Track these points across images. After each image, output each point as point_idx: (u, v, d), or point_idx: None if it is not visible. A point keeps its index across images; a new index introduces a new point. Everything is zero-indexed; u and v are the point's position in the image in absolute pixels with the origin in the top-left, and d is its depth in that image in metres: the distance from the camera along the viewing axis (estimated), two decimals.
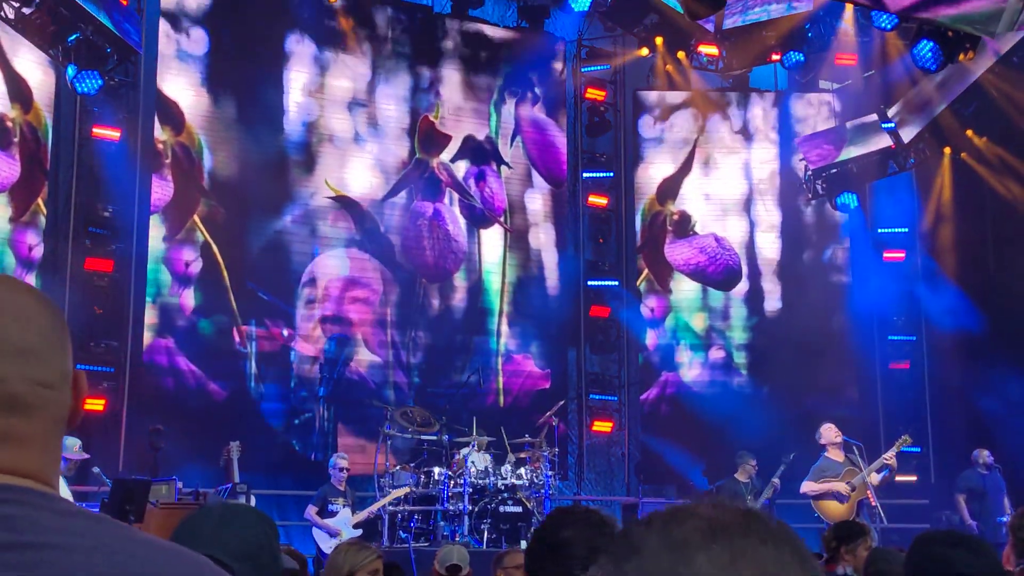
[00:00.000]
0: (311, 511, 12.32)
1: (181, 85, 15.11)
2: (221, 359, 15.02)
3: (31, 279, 13.11)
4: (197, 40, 15.30)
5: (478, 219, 16.97)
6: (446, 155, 16.87)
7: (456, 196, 16.86)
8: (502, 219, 17.13)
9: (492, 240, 17.09)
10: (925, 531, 3.87)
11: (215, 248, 14.97)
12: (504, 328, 16.95)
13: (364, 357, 15.91)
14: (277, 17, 15.85)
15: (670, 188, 17.63)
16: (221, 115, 15.35)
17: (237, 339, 15.06)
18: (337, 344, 15.76)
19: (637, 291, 17.44)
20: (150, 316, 14.62)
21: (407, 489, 12.56)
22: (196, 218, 14.95)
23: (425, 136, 16.76)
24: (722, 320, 17.39)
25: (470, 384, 15.14)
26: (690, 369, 17.27)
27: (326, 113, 16.08)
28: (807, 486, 11.64)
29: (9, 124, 13.34)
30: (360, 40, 16.49)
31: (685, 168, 17.70)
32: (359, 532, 12.15)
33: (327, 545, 11.86)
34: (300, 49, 16.02)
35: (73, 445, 9.90)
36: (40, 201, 13.56)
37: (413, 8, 17.12)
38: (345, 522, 12.20)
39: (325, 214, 15.91)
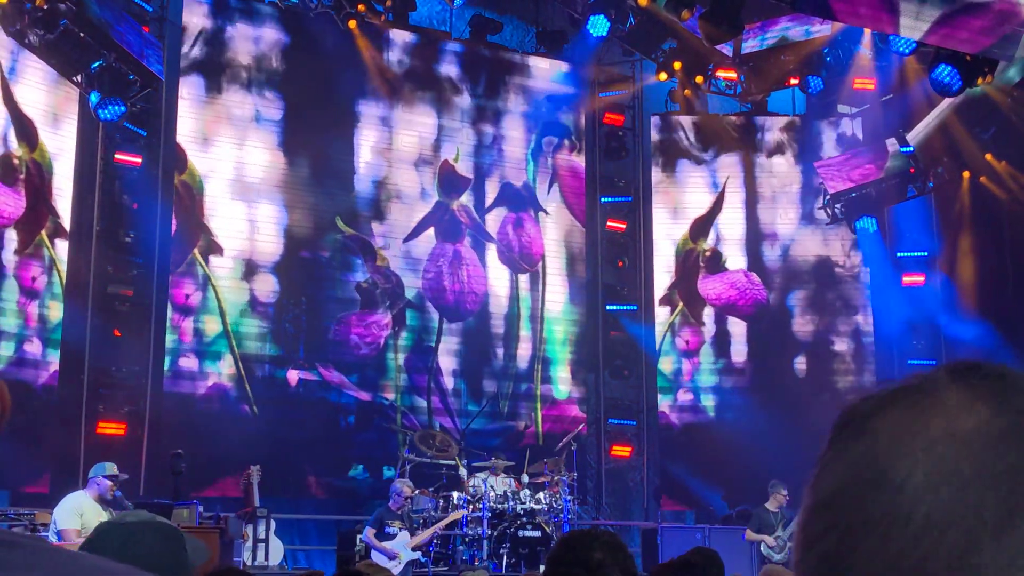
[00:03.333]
0: (369, 533, 12.13)
1: (259, 147, 15.65)
2: (231, 387, 15.10)
3: (34, 307, 13.53)
4: (274, 106, 15.84)
5: (514, 265, 17.08)
6: (484, 201, 17.06)
7: (487, 240, 17.01)
8: (539, 265, 17.22)
9: (550, 287, 17.27)
10: None
11: (213, 280, 15.18)
12: (562, 375, 17.15)
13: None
14: (346, 80, 16.29)
15: (702, 226, 17.73)
16: (296, 176, 15.82)
17: (232, 371, 15.16)
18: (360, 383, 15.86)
19: (654, 315, 17.44)
20: (171, 341, 14.73)
21: (462, 513, 12.52)
22: (196, 252, 15.14)
23: (445, 179, 16.87)
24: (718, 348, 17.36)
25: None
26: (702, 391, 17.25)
27: (393, 171, 16.49)
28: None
29: (15, 162, 13.63)
30: (421, 97, 16.91)
31: (717, 206, 17.77)
32: (417, 555, 12.06)
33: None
34: (368, 110, 16.49)
35: (111, 467, 9.86)
36: (44, 234, 13.86)
37: (476, 62, 17.37)
38: (403, 545, 12.05)
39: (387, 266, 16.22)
